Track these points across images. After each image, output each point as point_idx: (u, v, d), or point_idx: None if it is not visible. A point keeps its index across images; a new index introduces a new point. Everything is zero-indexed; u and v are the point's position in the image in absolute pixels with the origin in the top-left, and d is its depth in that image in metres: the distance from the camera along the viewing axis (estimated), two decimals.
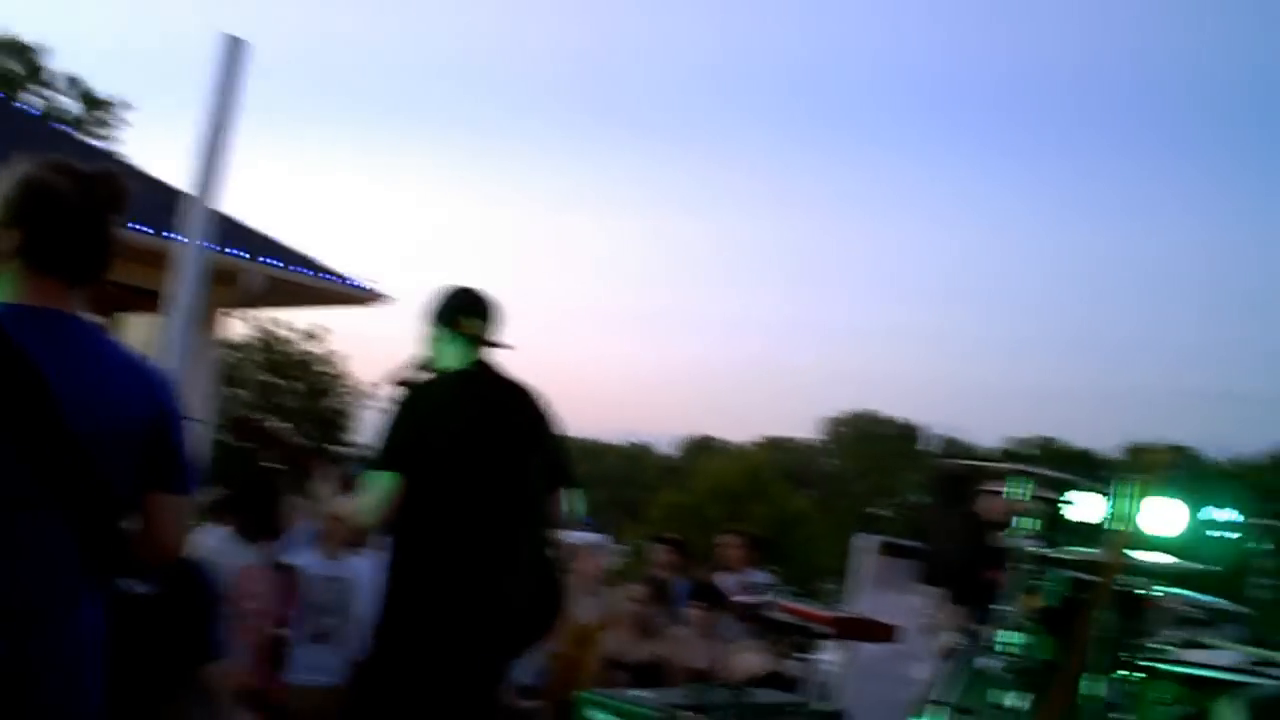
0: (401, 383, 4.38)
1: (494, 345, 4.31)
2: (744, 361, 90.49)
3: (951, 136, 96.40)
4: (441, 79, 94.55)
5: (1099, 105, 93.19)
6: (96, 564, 2.40)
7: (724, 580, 8.09)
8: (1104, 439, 58.72)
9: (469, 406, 4.18)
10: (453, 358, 4.26)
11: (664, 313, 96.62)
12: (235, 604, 5.16)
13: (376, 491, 3.99)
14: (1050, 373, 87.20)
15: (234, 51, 6.83)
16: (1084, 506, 5.51)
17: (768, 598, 6.71)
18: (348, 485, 4.36)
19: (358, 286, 14.04)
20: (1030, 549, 5.01)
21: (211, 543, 5.62)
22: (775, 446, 64.88)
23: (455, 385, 4.23)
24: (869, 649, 7.27)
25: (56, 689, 2.33)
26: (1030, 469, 5.17)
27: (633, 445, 69.29)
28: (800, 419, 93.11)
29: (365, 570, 6.80)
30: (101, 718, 2.42)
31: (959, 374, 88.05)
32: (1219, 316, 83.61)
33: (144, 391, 2.49)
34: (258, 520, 5.66)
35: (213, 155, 6.70)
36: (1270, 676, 4.43)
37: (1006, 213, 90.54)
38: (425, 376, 4.32)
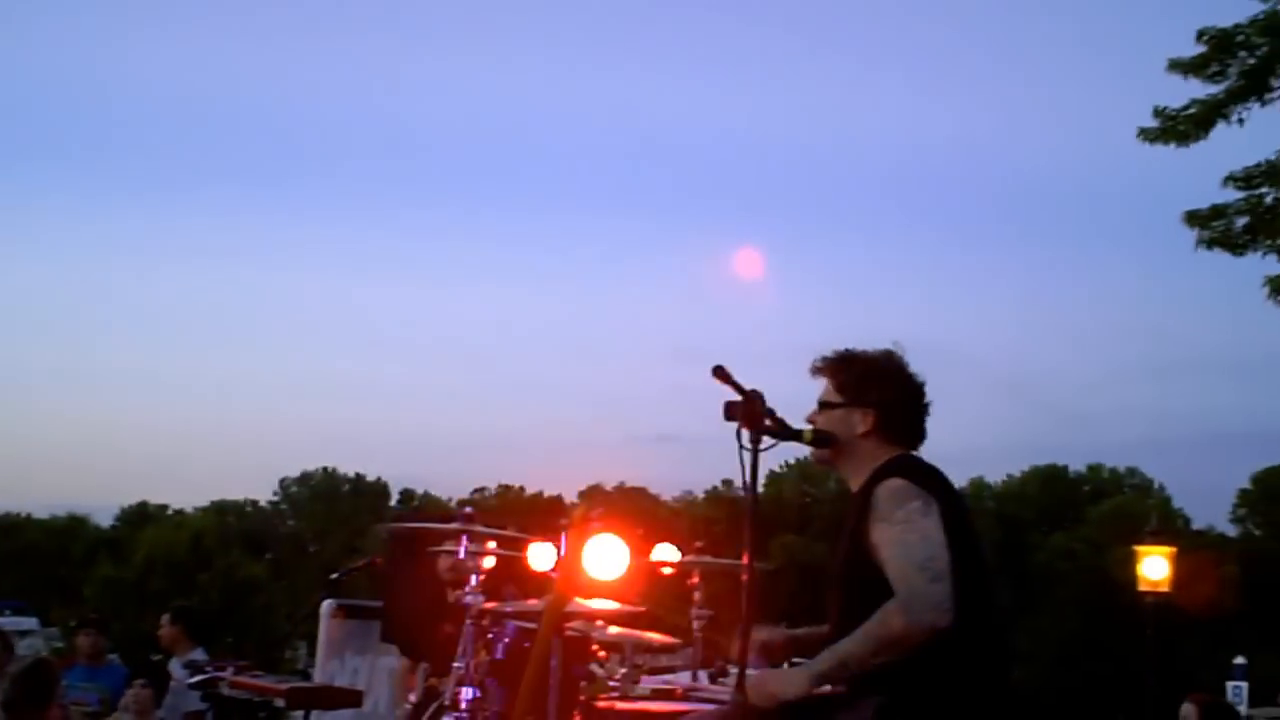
0: None
1: None
2: (187, 422, 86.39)
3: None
4: None
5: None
6: None
7: (172, 664, 7.75)
8: (562, 483, 61.24)
9: None
10: None
11: (96, 372, 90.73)
12: None
13: None
14: (508, 420, 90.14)
15: None
16: (539, 556, 5.71)
17: (222, 673, 6.40)
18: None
19: None
20: (481, 604, 5.10)
21: None
22: (224, 510, 62.68)
23: None
24: (333, 716, 7.14)
25: None
26: (478, 528, 5.26)
27: (66, 517, 64.28)
28: (253, 480, 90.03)
29: None
30: None
31: (420, 426, 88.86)
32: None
33: None
34: None
35: None
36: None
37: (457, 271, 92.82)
38: None
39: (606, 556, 5.27)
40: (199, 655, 7.77)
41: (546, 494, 58.97)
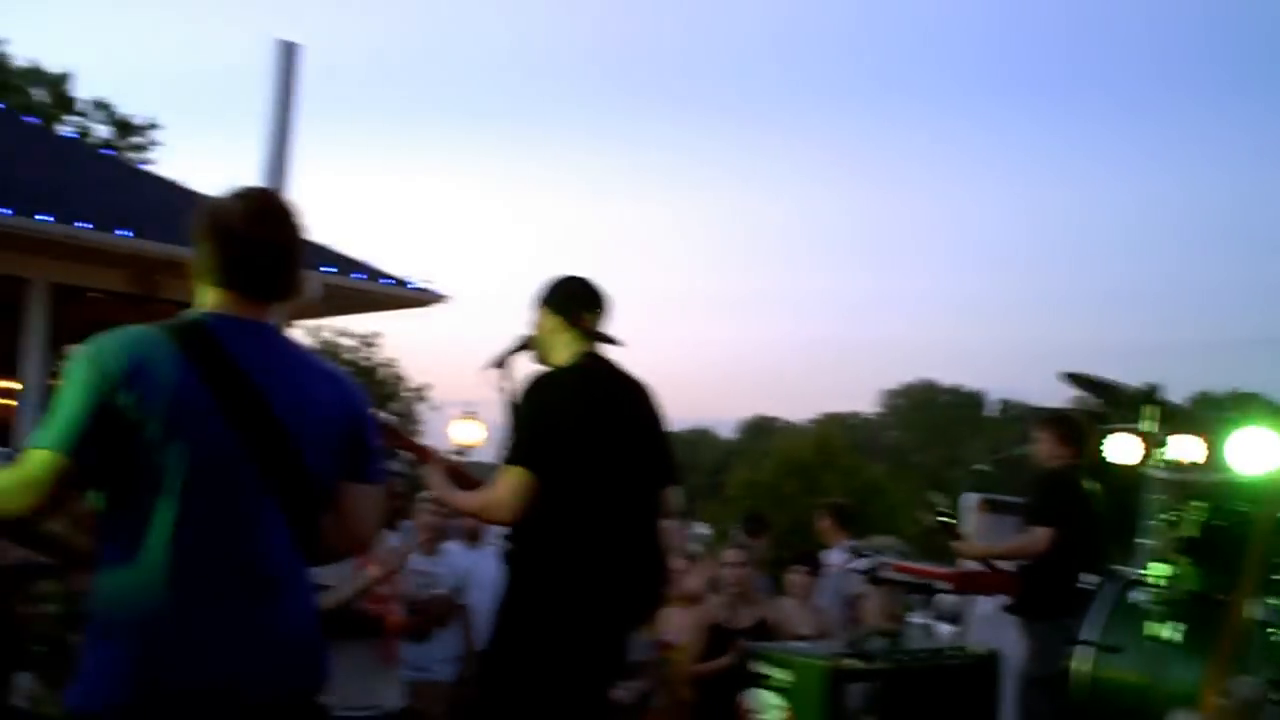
0: (500, 366, 4.38)
1: (607, 340, 4.31)
2: (792, 340, 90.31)
3: (1015, 96, 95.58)
4: (492, 72, 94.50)
5: (1169, 57, 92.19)
6: (304, 548, 2.67)
7: (826, 554, 8.09)
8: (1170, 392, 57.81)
9: (599, 403, 4.17)
10: (564, 348, 4.24)
11: (709, 295, 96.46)
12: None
13: (512, 487, 4.00)
14: (1105, 328, 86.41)
15: (288, 57, 6.76)
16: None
17: (882, 559, 6.65)
18: (460, 480, 4.37)
19: (416, 289, 13.97)
20: (1169, 479, 4.96)
21: None
22: (835, 422, 64.63)
23: (582, 381, 4.20)
24: (986, 602, 7.21)
25: (299, 651, 2.66)
26: (1161, 400, 5.09)
27: (692, 431, 69.19)
28: (856, 393, 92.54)
29: (462, 564, 6.78)
30: (326, 684, 2.74)
31: (1010, 337, 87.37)
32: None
33: (340, 393, 2.77)
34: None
35: (277, 163, 6.64)
36: None
37: (1074, 170, 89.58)
38: (524, 359, 4.33)
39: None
40: (852, 544, 8.10)
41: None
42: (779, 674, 5.25)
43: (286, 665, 2.61)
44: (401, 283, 13.79)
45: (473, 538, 7.18)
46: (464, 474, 4.50)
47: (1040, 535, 6.32)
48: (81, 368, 2.52)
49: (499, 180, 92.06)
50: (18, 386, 12.02)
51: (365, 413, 2.83)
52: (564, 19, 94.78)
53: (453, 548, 7.04)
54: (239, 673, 2.53)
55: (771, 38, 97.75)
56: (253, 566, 2.56)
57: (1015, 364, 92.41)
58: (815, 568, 7.62)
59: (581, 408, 4.10)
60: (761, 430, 66.97)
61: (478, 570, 6.63)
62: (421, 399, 41.11)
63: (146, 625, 2.48)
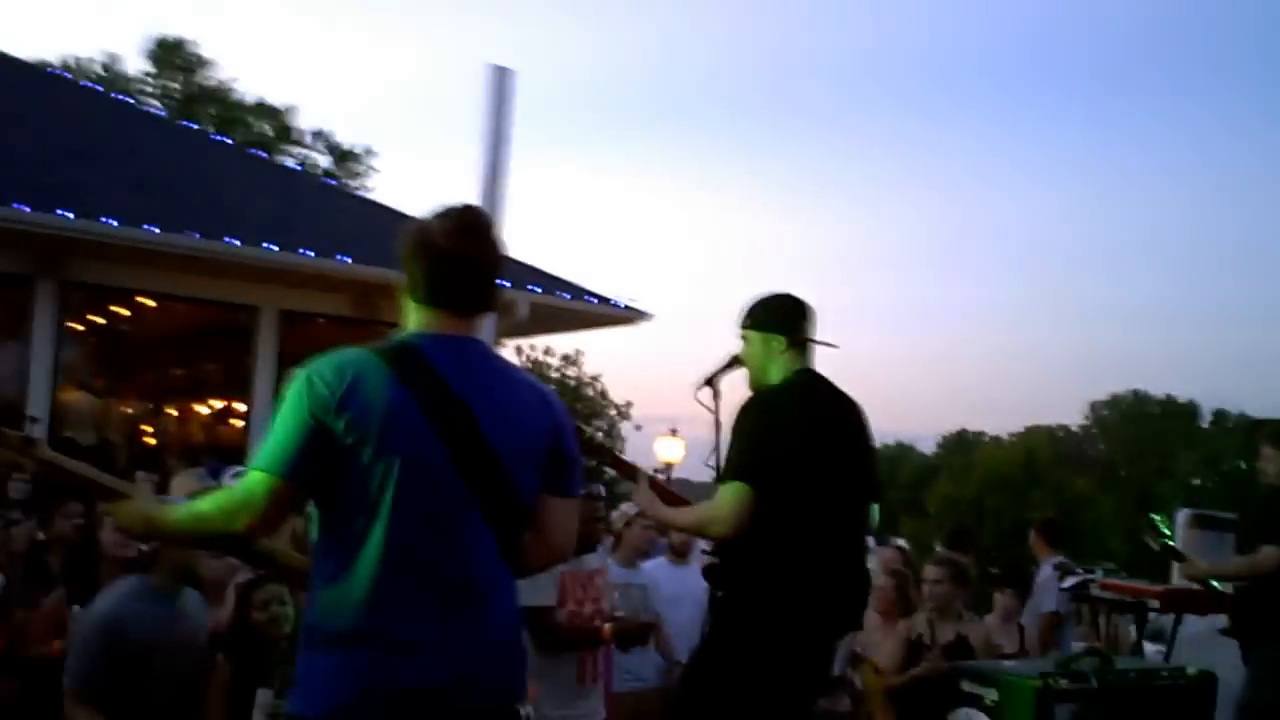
0: (710, 385, 4.46)
1: (823, 344, 4.32)
2: (995, 352, 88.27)
3: (1197, 95, 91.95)
4: (694, 90, 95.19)
5: None
6: (508, 559, 2.73)
7: (1034, 571, 8.00)
8: None
9: (817, 420, 4.18)
10: (778, 365, 4.25)
11: (902, 307, 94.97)
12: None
13: (733, 502, 4.01)
14: None
15: (502, 82, 7.07)
16: None
17: (1091, 576, 6.57)
18: (665, 497, 4.44)
19: (619, 306, 14.24)
20: None
21: None
22: (1040, 435, 62.97)
23: (801, 398, 4.21)
24: (1196, 622, 7.05)
25: (502, 660, 2.72)
26: None
27: (893, 445, 68.23)
28: (1062, 405, 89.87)
29: (665, 579, 6.90)
30: (522, 693, 2.80)
31: (1223, 344, 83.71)
32: None
33: (543, 407, 2.82)
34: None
35: (491, 187, 6.94)
36: None
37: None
38: (732, 378, 4.37)
39: None
40: (1060, 561, 8.01)
41: None
42: (986, 693, 5.22)
43: (492, 672, 2.67)
44: (606, 301, 14.09)
45: (679, 554, 7.31)
46: (668, 491, 4.58)
47: (1269, 555, 6.13)
48: (296, 391, 2.62)
49: (700, 196, 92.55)
50: (248, 408, 12.75)
51: (567, 427, 2.87)
52: (763, 35, 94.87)
53: (656, 564, 7.19)
54: (448, 679, 2.59)
55: (959, 41, 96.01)
56: (461, 577, 2.63)
57: (1229, 372, 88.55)
58: (1022, 587, 7.56)
59: (801, 425, 4.12)
60: (963, 444, 65.63)
61: (682, 586, 6.78)
62: (624, 416, 41.66)
63: (360, 634, 2.57)
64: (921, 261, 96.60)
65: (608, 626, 5.30)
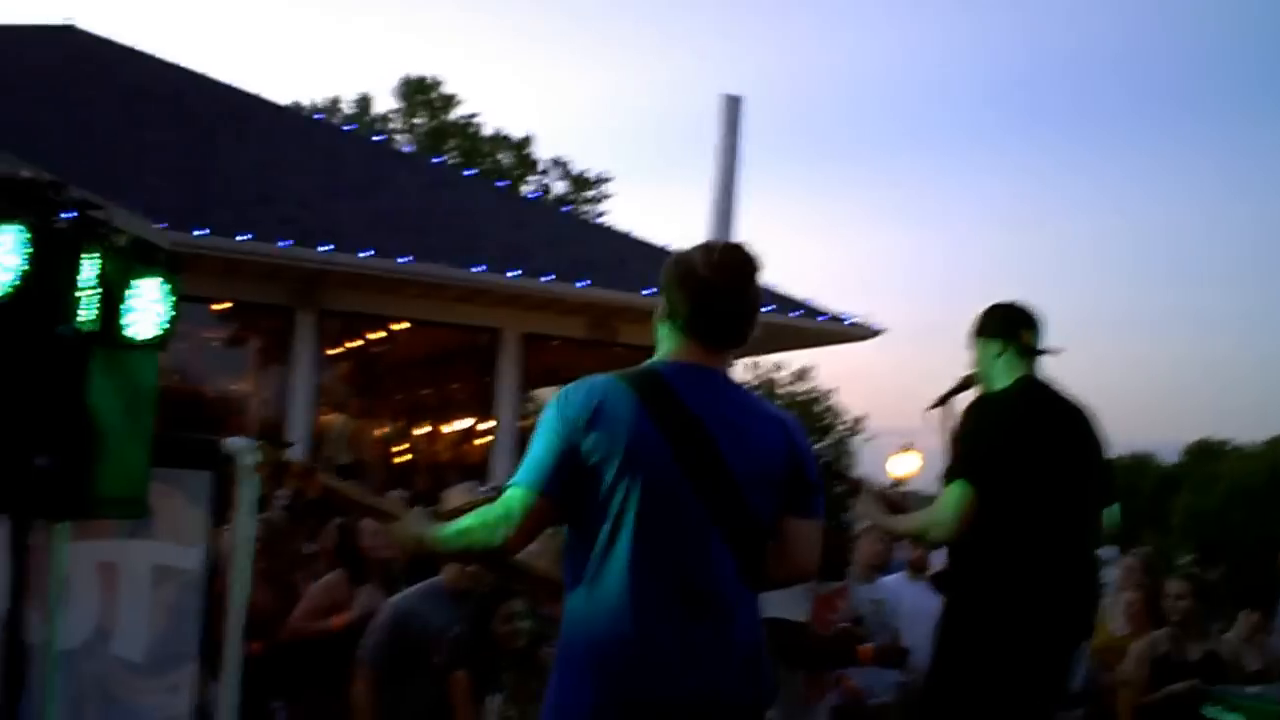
0: (942, 405, 4.48)
1: (1044, 353, 4.29)
2: (1241, 358, 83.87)
3: None
4: (913, 108, 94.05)
5: None
6: (748, 578, 2.82)
7: None
8: None
9: (1040, 424, 4.13)
10: (1004, 372, 4.22)
11: (1140, 312, 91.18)
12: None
13: (953, 503, 3.98)
14: None
15: (733, 110, 7.27)
16: None
17: None
18: (896, 509, 4.46)
19: (853, 323, 14.22)
20: None
21: None
22: None
23: (1023, 402, 4.17)
24: None
25: (747, 671, 2.79)
26: None
27: (1132, 455, 65.44)
28: None
29: (902, 594, 6.89)
30: (767, 704, 2.88)
31: None
32: None
33: (782, 434, 2.89)
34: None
35: (724, 211, 7.14)
36: None
37: None
38: (968, 393, 4.35)
39: None
40: None
41: None
42: (1229, 717, 5.06)
43: (737, 683, 2.74)
44: (838, 318, 14.10)
45: (918, 569, 7.28)
46: (898, 503, 4.57)
47: None
48: (551, 414, 2.76)
49: (926, 211, 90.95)
50: (492, 426, 13.25)
51: (806, 451, 2.94)
52: (991, 44, 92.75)
53: (895, 579, 7.18)
54: (694, 689, 2.68)
55: (1195, 42, 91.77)
56: (704, 592, 2.72)
57: None
58: (1270, 606, 7.26)
59: (1023, 427, 4.07)
60: (1207, 454, 62.34)
61: (922, 601, 6.76)
62: (856, 431, 41.37)
63: (608, 646, 2.67)
64: (1162, 266, 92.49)
65: (869, 647, 5.29)
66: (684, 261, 2.87)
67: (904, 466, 20.01)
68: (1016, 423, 4.08)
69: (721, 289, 2.83)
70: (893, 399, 69.05)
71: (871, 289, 75.62)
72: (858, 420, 41.60)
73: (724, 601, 2.73)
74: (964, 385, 4.41)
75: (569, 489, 2.72)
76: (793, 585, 3.23)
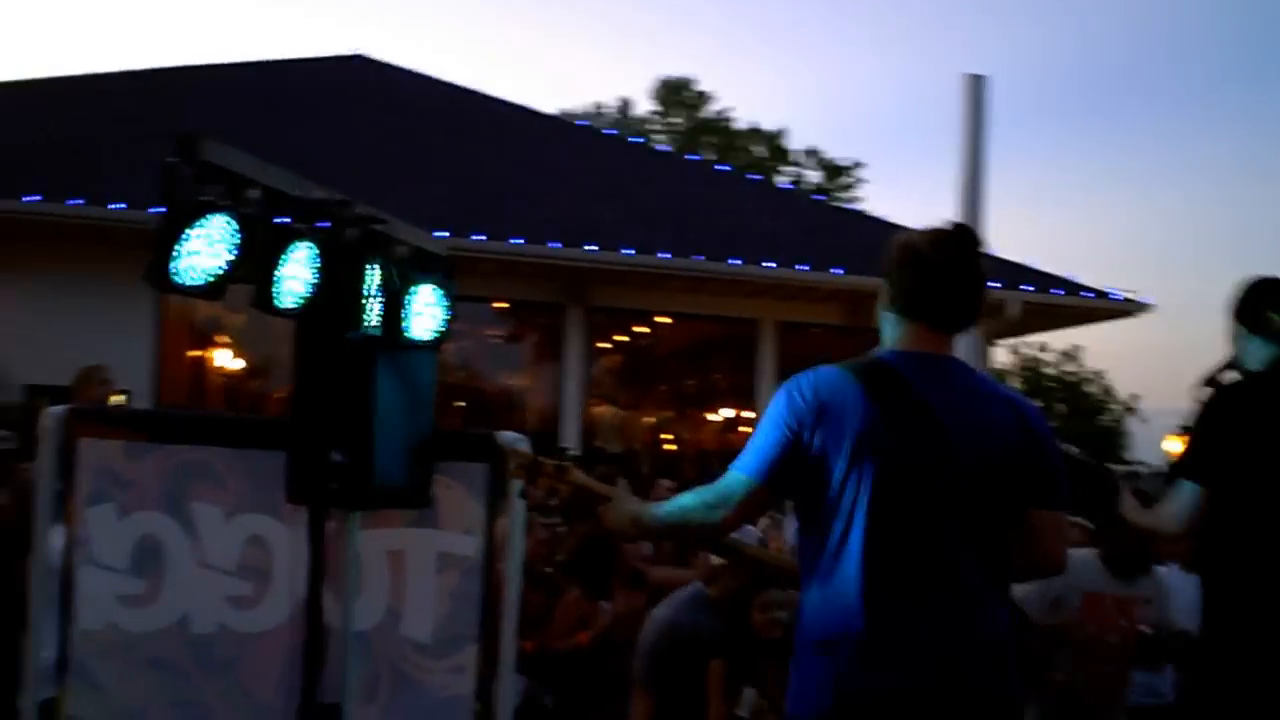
0: (1209, 386, 4.11)
1: None
2: None
3: None
4: (1163, 75, 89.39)
5: None
6: (992, 570, 2.75)
7: None
8: None
9: (1276, 412, 3.78)
10: (1254, 356, 3.91)
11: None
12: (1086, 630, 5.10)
13: (1178, 501, 3.77)
14: None
15: (976, 89, 7.41)
16: None
17: None
18: (1144, 501, 4.28)
19: (1118, 299, 13.91)
20: None
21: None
22: None
23: (1261, 389, 3.84)
24: None
25: (992, 662, 2.71)
26: None
27: None
28: None
29: (1178, 584, 6.80)
30: (1019, 701, 2.78)
31: None
32: None
33: (1017, 419, 2.80)
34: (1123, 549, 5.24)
35: (972, 191, 7.28)
36: None
37: None
38: (1231, 378, 3.99)
39: None
40: None
41: None
42: None
43: (982, 675, 2.67)
44: (1103, 294, 13.83)
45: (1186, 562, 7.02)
46: (1144, 492, 4.42)
47: None
48: (777, 404, 2.74)
49: (1198, 179, 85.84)
50: (753, 414, 13.59)
51: (1047, 439, 2.83)
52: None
53: (1168, 571, 7.00)
54: (934, 681, 2.62)
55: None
56: (943, 581, 2.66)
57: None
58: None
59: (1256, 417, 3.75)
60: None
61: (1184, 594, 6.62)
62: (1130, 411, 39.86)
63: (845, 638, 2.64)
64: None
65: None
66: (906, 243, 2.84)
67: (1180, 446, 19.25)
68: (1247, 412, 3.78)
69: (945, 266, 2.78)
70: (1163, 378, 65.86)
71: (1127, 262, 72.26)
72: (1132, 399, 40.08)
73: (964, 594, 2.67)
74: (1230, 365, 4.04)
75: (791, 479, 2.73)
76: (1042, 577, 3.16)
